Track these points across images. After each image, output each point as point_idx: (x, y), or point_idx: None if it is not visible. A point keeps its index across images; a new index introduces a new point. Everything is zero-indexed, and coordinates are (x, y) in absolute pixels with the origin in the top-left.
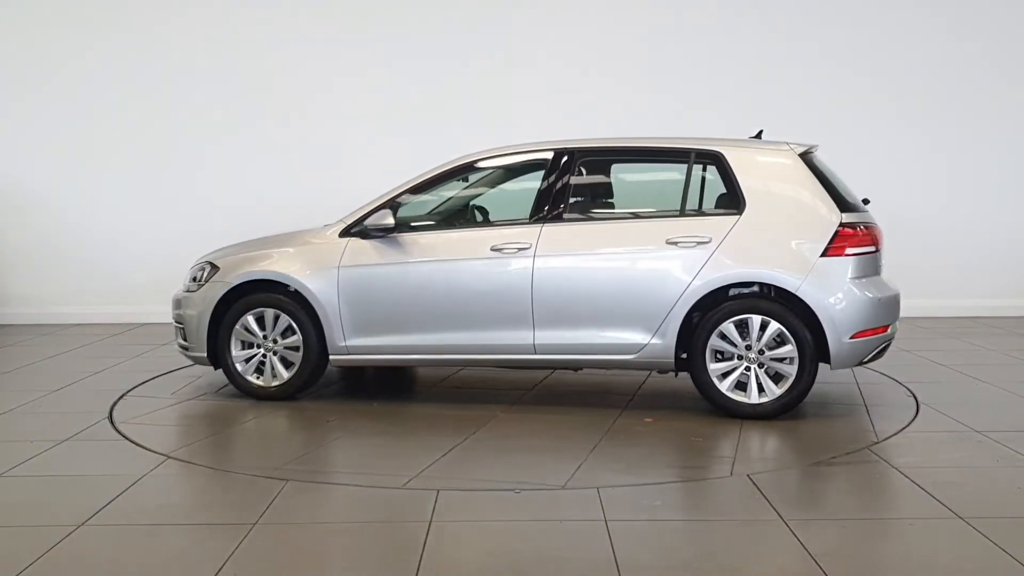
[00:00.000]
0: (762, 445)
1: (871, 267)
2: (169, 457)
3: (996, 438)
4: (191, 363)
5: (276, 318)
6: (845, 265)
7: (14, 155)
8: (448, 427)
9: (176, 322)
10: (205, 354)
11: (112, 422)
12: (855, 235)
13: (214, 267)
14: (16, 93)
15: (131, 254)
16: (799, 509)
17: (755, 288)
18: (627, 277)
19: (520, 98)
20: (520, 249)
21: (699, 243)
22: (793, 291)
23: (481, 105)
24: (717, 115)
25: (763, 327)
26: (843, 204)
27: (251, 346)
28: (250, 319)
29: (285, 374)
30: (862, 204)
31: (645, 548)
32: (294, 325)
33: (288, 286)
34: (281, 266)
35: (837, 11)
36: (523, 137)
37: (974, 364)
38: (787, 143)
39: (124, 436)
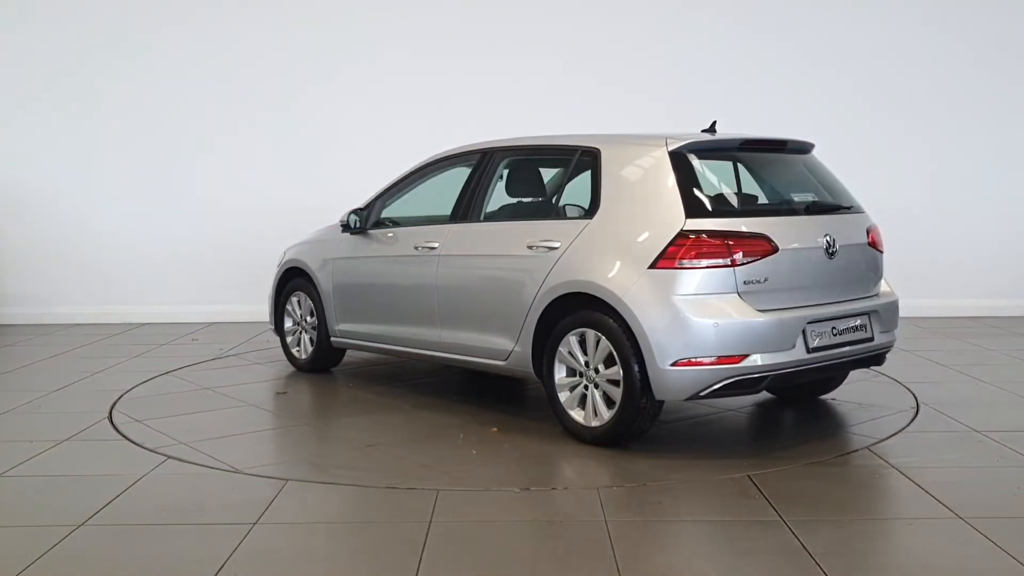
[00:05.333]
0: (518, 469)
1: (720, 284)
2: (169, 457)
3: (996, 438)
4: (198, 361)
5: (306, 301)
6: (674, 279)
7: (15, 155)
8: (325, 413)
9: None
10: (273, 327)
11: (112, 422)
12: (692, 245)
13: (284, 254)
14: (17, 95)
15: (131, 254)
16: (799, 509)
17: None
18: (495, 281)
19: (523, 96)
20: (431, 248)
21: (550, 249)
22: (614, 305)
23: (489, 103)
24: (711, 114)
25: (599, 343)
26: (699, 209)
27: (296, 323)
28: (293, 300)
29: (310, 350)
30: (781, 208)
31: (645, 548)
32: (313, 308)
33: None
34: (303, 255)
35: (835, 11)
36: (522, 132)
37: (974, 364)
38: (667, 138)
39: (124, 436)
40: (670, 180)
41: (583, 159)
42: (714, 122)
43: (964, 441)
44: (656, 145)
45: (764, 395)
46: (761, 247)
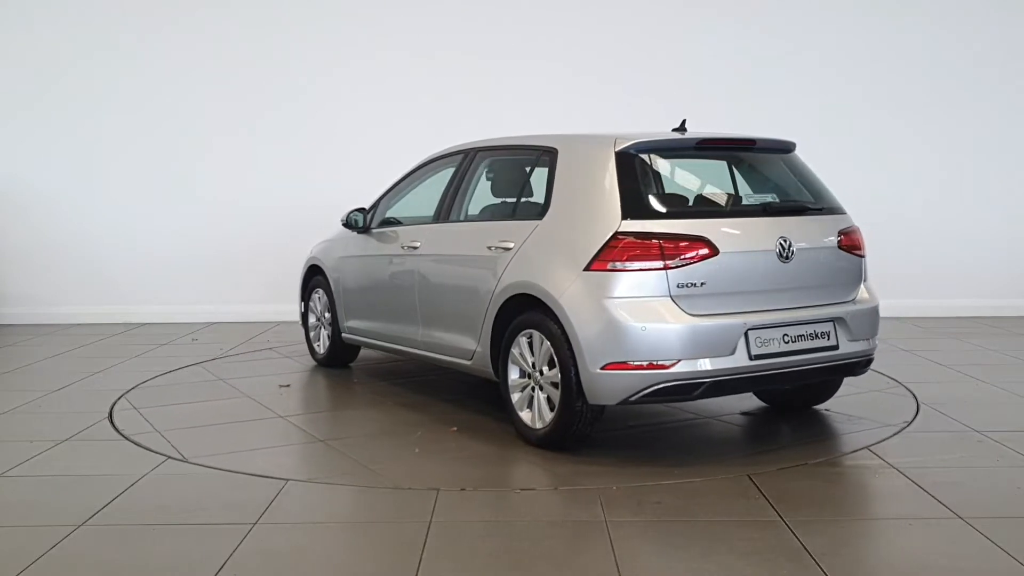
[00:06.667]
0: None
1: (652, 287)
2: (169, 457)
3: (996, 438)
4: (199, 361)
5: (323, 297)
6: (607, 281)
7: (15, 155)
8: (310, 407)
9: None
10: (302, 322)
11: (112, 422)
12: (624, 247)
13: (311, 251)
14: (18, 95)
15: (131, 254)
16: (799, 509)
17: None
18: (460, 281)
19: (525, 95)
20: (414, 248)
21: (505, 249)
22: (551, 307)
23: (490, 102)
24: (713, 113)
25: (543, 345)
26: (638, 210)
27: (317, 319)
28: (315, 297)
29: (328, 345)
30: (719, 211)
31: (645, 548)
32: (329, 304)
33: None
34: (321, 253)
35: (836, 11)
36: (523, 132)
37: (974, 364)
38: (616, 138)
39: (124, 436)
40: (612, 180)
41: (543, 158)
42: (683, 120)
43: (964, 441)
44: (605, 145)
45: (759, 402)
46: (698, 249)
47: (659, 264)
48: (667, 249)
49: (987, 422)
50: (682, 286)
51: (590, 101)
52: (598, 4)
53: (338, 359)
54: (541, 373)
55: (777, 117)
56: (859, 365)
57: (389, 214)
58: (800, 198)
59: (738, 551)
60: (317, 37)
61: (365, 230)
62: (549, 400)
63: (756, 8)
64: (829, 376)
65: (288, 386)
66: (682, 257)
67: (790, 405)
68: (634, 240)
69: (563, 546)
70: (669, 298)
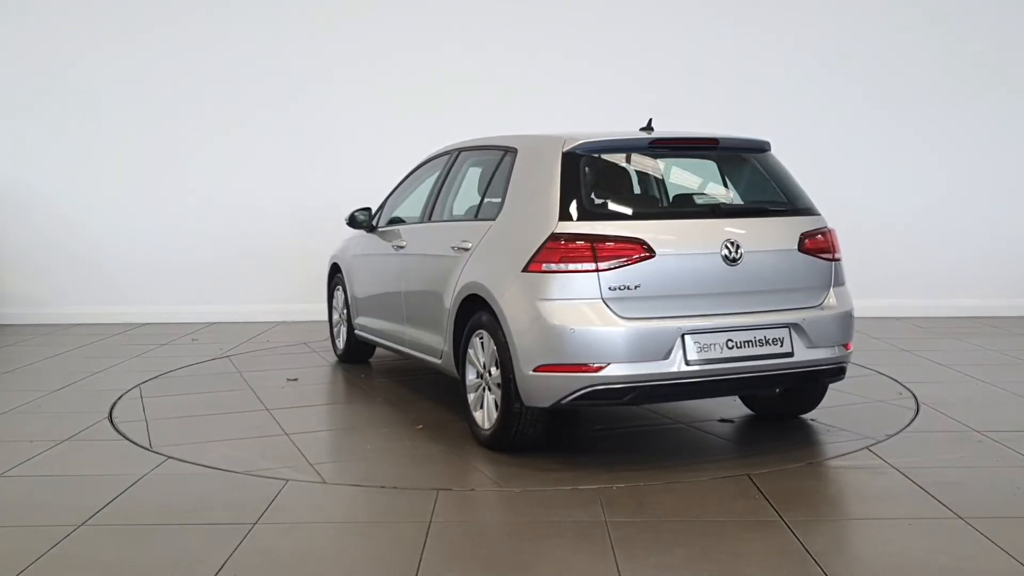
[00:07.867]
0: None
1: (583, 289)
2: (169, 457)
3: (996, 438)
4: (199, 361)
5: (341, 294)
6: (541, 283)
7: (15, 155)
8: (303, 401)
9: None
10: (328, 318)
11: (112, 422)
12: (558, 249)
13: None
14: (18, 94)
15: (131, 254)
16: (799, 509)
17: None
18: (429, 281)
19: (525, 94)
20: (401, 248)
21: (464, 250)
22: (493, 308)
23: (491, 100)
24: (707, 111)
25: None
26: (576, 212)
27: (340, 316)
28: (336, 294)
29: (345, 340)
30: (651, 212)
31: (645, 548)
32: (345, 301)
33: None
34: (340, 252)
35: (833, 10)
36: (522, 129)
37: (974, 364)
38: (566, 139)
39: (124, 436)
40: (555, 181)
41: (506, 158)
42: (650, 120)
43: (964, 441)
44: (554, 145)
45: (744, 410)
46: (633, 252)
47: (591, 266)
48: (600, 251)
49: (987, 422)
50: (615, 288)
51: (588, 100)
52: (599, 4)
53: (355, 355)
54: (490, 374)
55: (777, 117)
56: (825, 374)
57: (395, 213)
58: (762, 199)
59: (738, 551)
60: (317, 36)
61: (372, 229)
62: (496, 401)
63: (756, 8)
64: (787, 384)
65: (295, 380)
66: (615, 259)
67: (773, 413)
68: (566, 242)
69: (563, 546)
70: (600, 300)
